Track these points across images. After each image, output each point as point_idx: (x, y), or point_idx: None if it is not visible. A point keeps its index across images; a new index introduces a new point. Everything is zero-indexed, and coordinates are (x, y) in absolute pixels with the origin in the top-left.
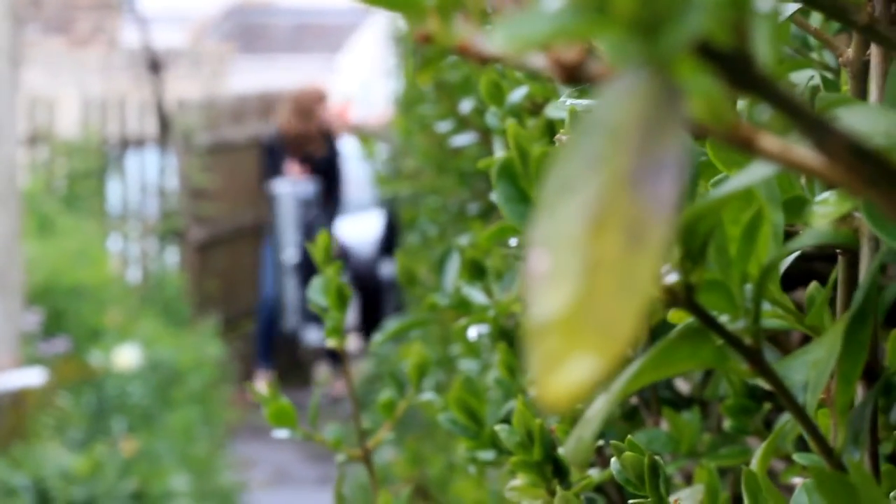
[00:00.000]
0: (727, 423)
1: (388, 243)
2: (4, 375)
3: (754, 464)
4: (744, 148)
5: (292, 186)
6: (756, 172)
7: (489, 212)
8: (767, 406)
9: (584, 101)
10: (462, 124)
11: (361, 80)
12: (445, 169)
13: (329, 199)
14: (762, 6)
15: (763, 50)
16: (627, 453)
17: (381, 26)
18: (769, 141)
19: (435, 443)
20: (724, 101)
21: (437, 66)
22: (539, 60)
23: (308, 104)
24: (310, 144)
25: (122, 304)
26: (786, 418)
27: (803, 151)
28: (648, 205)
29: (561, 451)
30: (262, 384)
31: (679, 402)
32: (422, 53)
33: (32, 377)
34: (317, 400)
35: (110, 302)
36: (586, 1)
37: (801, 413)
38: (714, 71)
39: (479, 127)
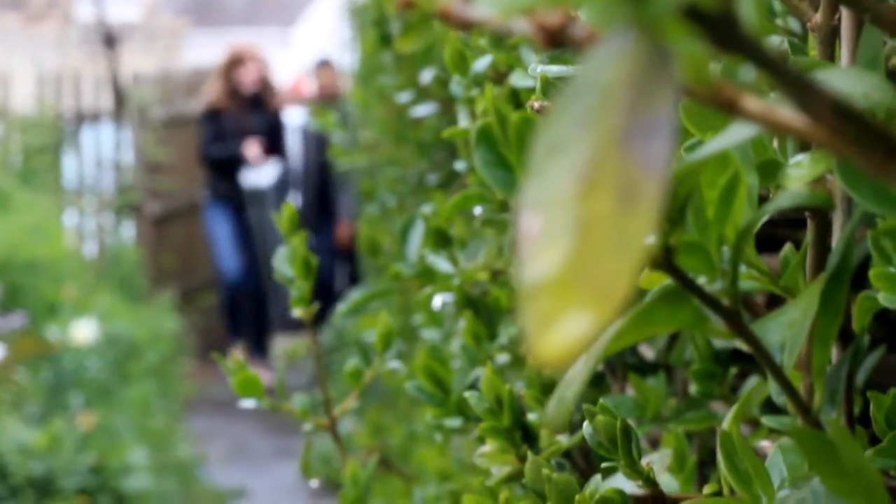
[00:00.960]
0: (693, 388)
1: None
2: None
3: (725, 426)
4: (727, 109)
5: (267, 175)
6: (735, 134)
7: (448, 182)
8: (733, 371)
9: (553, 68)
10: (422, 95)
11: (316, 53)
12: (404, 140)
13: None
14: None
15: (748, 11)
16: (600, 417)
17: None
18: (752, 102)
19: (396, 412)
20: (708, 63)
21: (419, 31)
22: (521, 24)
23: (228, 69)
24: (246, 111)
25: (78, 279)
26: (752, 383)
27: (786, 112)
28: (641, 164)
29: (531, 416)
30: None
31: (644, 368)
32: (404, 19)
33: None
34: (283, 371)
35: (67, 277)
36: None
37: (778, 373)
38: (699, 33)
39: (440, 97)
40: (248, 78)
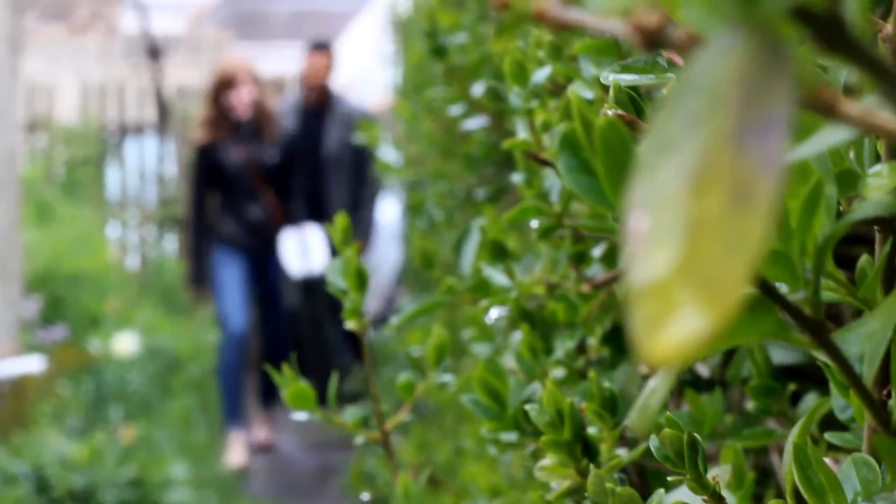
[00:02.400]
0: (751, 405)
1: None
2: (4, 363)
3: (790, 441)
4: (825, 112)
5: (318, 256)
6: (828, 139)
7: (497, 196)
8: (792, 387)
9: (626, 77)
10: (473, 107)
11: (360, 67)
12: (451, 154)
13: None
14: None
15: (853, 13)
16: (667, 430)
17: (380, 13)
18: (851, 106)
19: (441, 429)
20: (812, 64)
21: (513, 32)
22: (618, 26)
23: (216, 92)
24: (243, 141)
25: (120, 292)
26: (810, 400)
27: (886, 116)
28: (756, 162)
29: (590, 430)
30: (238, 451)
31: (699, 385)
32: (498, 20)
33: (32, 364)
34: (335, 382)
35: (109, 289)
36: None
37: (858, 384)
38: (806, 33)
39: (491, 110)
40: (238, 101)
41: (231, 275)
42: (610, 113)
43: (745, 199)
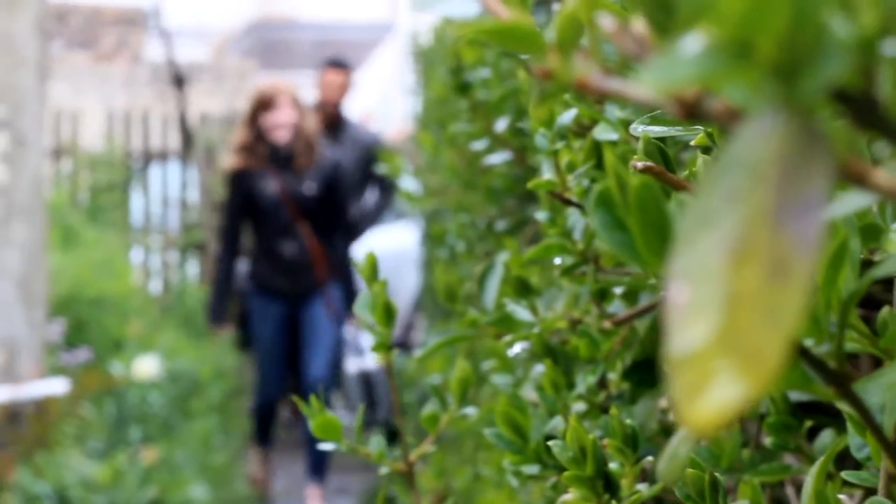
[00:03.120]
0: (768, 440)
1: None
2: (29, 385)
3: (809, 481)
4: (857, 181)
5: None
6: (852, 202)
7: (518, 228)
8: (808, 423)
9: (655, 129)
10: (496, 142)
11: (381, 96)
12: (473, 186)
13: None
14: (888, 51)
15: (887, 92)
16: (689, 469)
17: (401, 43)
18: (880, 175)
19: (460, 455)
20: (848, 139)
21: (555, 100)
22: (658, 97)
23: (254, 113)
24: (281, 170)
25: (143, 316)
26: (826, 436)
27: None
28: (793, 240)
29: (612, 465)
30: (259, 465)
31: None
32: (541, 88)
33: (56, 387)
34: (362, 412)
35: (132, 313)
36: (727, 45)
37: (879, 433)
38: (842, 112)
39: (514, 145)
40: (276, 124)
41: (267, 332)
42: (640, 165)
43: (783, 274)
